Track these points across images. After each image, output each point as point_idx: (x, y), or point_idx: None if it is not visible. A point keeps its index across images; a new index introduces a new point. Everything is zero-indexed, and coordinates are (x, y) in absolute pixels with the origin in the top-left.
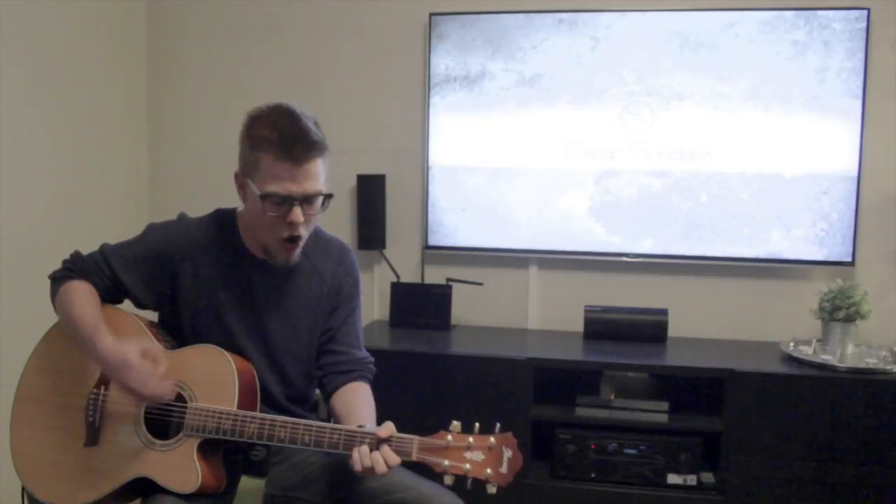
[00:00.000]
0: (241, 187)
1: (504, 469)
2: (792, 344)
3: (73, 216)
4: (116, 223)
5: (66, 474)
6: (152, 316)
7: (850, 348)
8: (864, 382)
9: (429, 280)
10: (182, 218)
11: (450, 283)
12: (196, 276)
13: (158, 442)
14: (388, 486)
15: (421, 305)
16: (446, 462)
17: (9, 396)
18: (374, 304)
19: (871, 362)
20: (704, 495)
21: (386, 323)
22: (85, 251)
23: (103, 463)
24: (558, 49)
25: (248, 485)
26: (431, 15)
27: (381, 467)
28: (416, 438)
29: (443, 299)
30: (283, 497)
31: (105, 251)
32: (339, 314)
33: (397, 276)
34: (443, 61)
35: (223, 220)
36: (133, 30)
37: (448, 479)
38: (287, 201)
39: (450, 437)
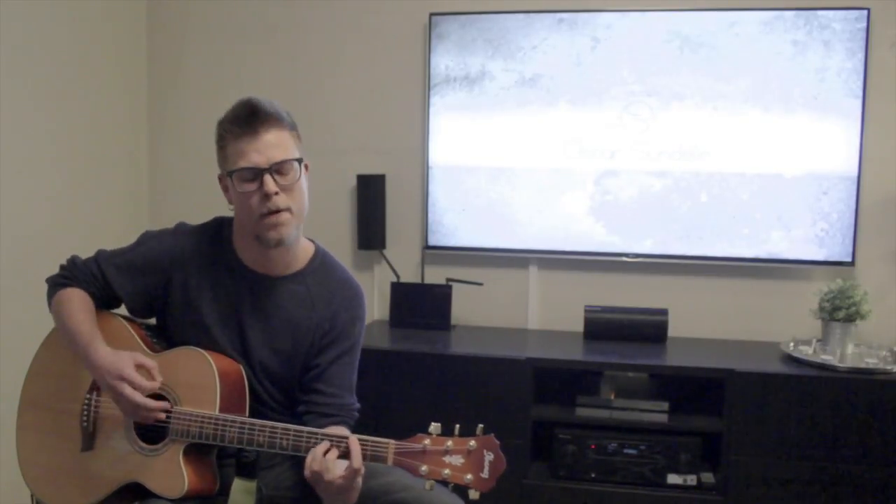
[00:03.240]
0: (225, 190)
1: (485, 474)
2: (792, 344)
3: (72, 216)
4: (116, 223)
5: (67, 479)
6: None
7: (850, 348)
8: (864, 382)
9: (429, 280)
10: (179, 227)
11: (450, 283)
12: (186, 287)
13: (147, 447)
14: (388, 485)
15: (421, 305)
16: (424, 467)
17: (9, 396)
18: (374, 304)
19: (871, 362)
20: (704, 495)
21: (386, 323)
22: (84, 253)
23: (98, 468)
24: (558, 49)
25: (240, 487)
26: (431, 15)
27: (329, 475)
28: (391, 443)
29: (443, 299)
30: (281, 498)
31: (100, 258)
32: (330, 351)
33: (397, 276)
34: (443, 61)
35: (219, 230)
36: (133, 30)
37: (428, 484)
38: (257, 174)
39: (427, 441)
